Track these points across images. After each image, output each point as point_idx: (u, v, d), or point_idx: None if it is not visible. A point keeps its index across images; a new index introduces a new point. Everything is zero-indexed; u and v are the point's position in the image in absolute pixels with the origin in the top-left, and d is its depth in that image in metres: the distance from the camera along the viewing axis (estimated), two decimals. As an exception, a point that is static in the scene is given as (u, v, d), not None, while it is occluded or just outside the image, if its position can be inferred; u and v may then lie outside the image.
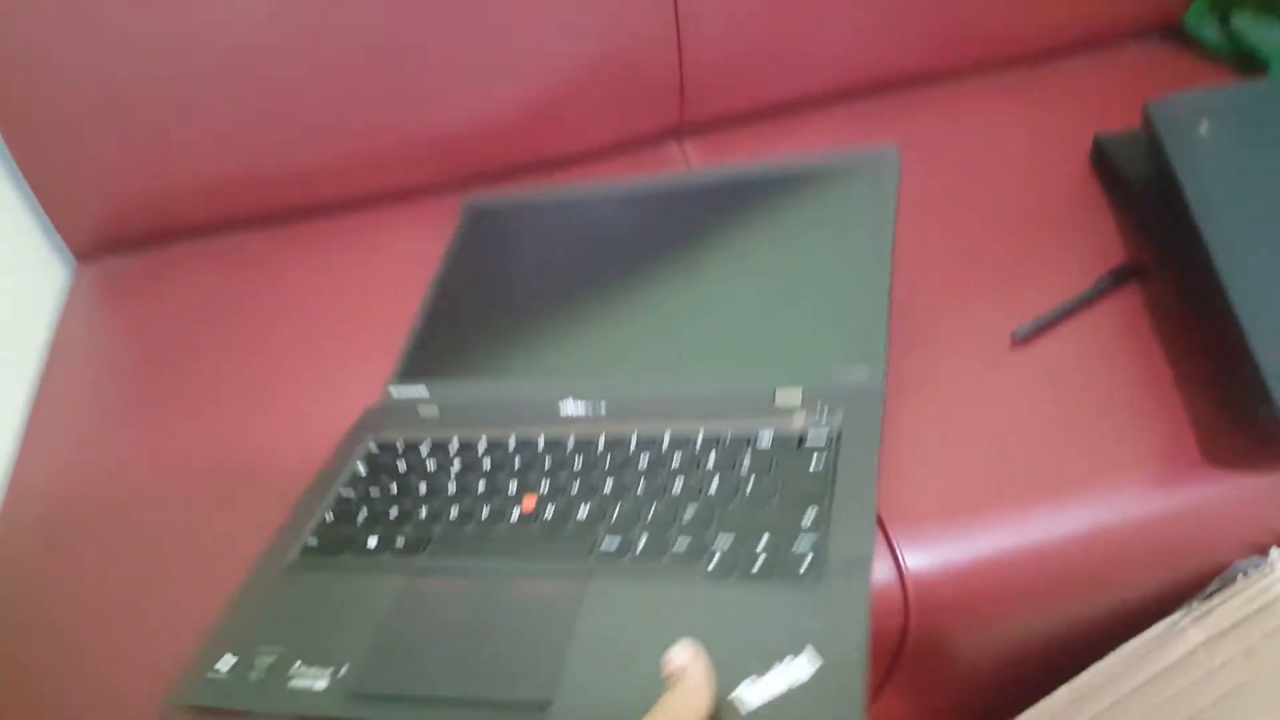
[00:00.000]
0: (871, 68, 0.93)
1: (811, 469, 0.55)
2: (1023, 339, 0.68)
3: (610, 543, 0.54)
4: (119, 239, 0.88)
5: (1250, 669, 0.58)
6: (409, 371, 0.72)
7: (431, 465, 0.63)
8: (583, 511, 0.57)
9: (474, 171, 0.88)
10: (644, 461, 0.59)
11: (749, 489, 0.55)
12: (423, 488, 0.62)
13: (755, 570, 0.50)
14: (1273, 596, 0.58)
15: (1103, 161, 0.81)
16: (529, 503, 0.58)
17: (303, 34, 0.81)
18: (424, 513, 0.60)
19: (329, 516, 0.61)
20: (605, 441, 0.61)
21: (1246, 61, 0.90)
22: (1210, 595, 0.61)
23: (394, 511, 0.60)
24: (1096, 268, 0.72)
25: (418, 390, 0.70)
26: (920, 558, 0.57)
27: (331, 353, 0.77)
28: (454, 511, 0.59)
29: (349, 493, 0.63)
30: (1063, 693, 0.63)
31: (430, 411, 0.68)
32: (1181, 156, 0.67)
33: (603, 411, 0.64)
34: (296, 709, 0.51)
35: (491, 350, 0.71)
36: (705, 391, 0.63)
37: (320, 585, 0.57)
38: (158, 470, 0.69)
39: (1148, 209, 0.74)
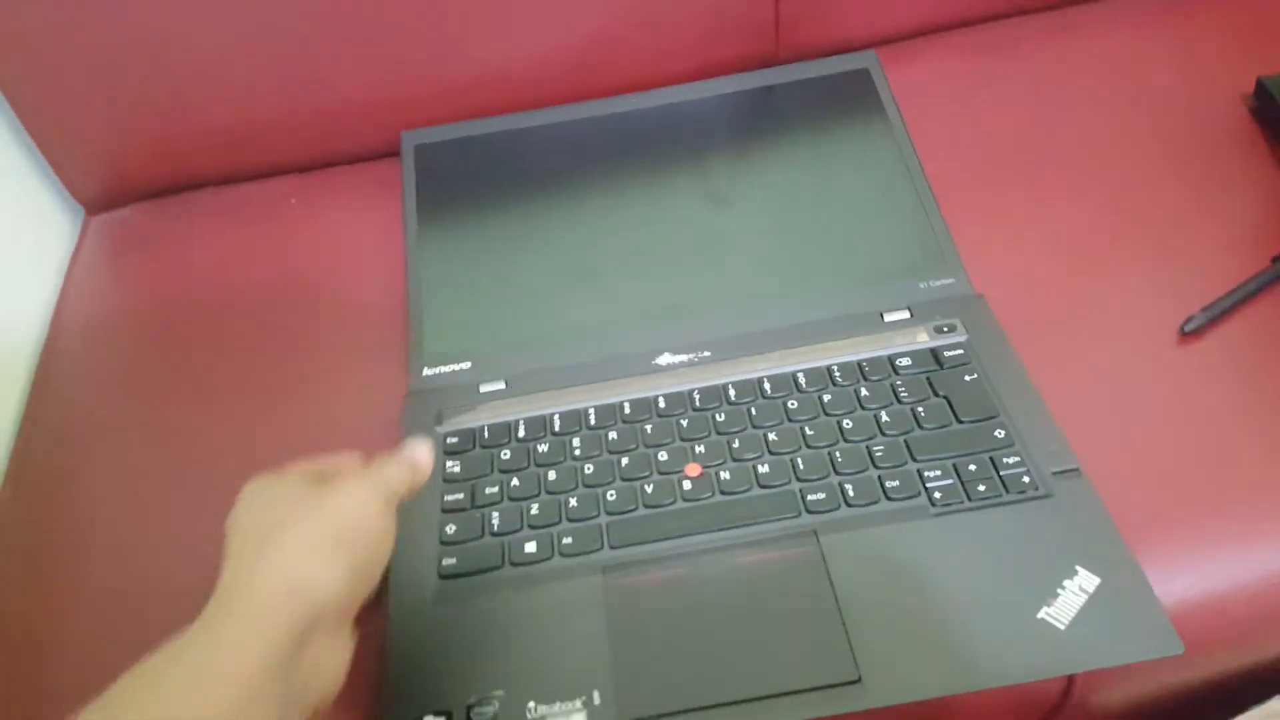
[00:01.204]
0: None
1: (968, 381, 0.56)
2: (1194, 331, 0.57)
3: (817, 496, 0.52)
4: (129, 189, 0.76)
5: None
6: (439, 346, 0.62)
7: (544, 447, 0.56)
8: (764, 468, 0.53)
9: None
10: (793, 403, 0.56)
11: (924, 411, 0.55)
12: (551, 475, 0.55)
13: (981, 498, 0.51)
14: None
15: (1268, 107, 0.68)
16: (693, 470, 0.54)
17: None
18: (574, 502, 0.53)
19: (451, 529, 0.53)
20: (735, 389, 0.57)
21: None
22: None
23: (535, 508, 0.53)
24: (1273, 240, 0.61)
25: (460, 366, 0.61)
26: None
27: (358, 325, 0.66)
28: (611, 495, 0.53)
29: (457, 496, 0.54)
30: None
31: (493, 386, 0.60)
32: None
33: (706, 355, 0.59)
34: (560, 759, 0.44)
35: (530, 306, 0.63)
36: (801, 320, 0.60)
37: (492, 608, 0.49)
38: (169, 463, 0.60)
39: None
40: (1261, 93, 0.68)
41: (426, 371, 0.60)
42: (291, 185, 0.75)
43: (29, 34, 0.66)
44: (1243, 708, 0.53)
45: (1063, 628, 0.46)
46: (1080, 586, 0.47)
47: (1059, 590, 0.47)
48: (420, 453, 0.47)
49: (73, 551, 0.57)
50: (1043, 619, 0.46)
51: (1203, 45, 0.73)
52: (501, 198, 0.67)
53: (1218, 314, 0.57)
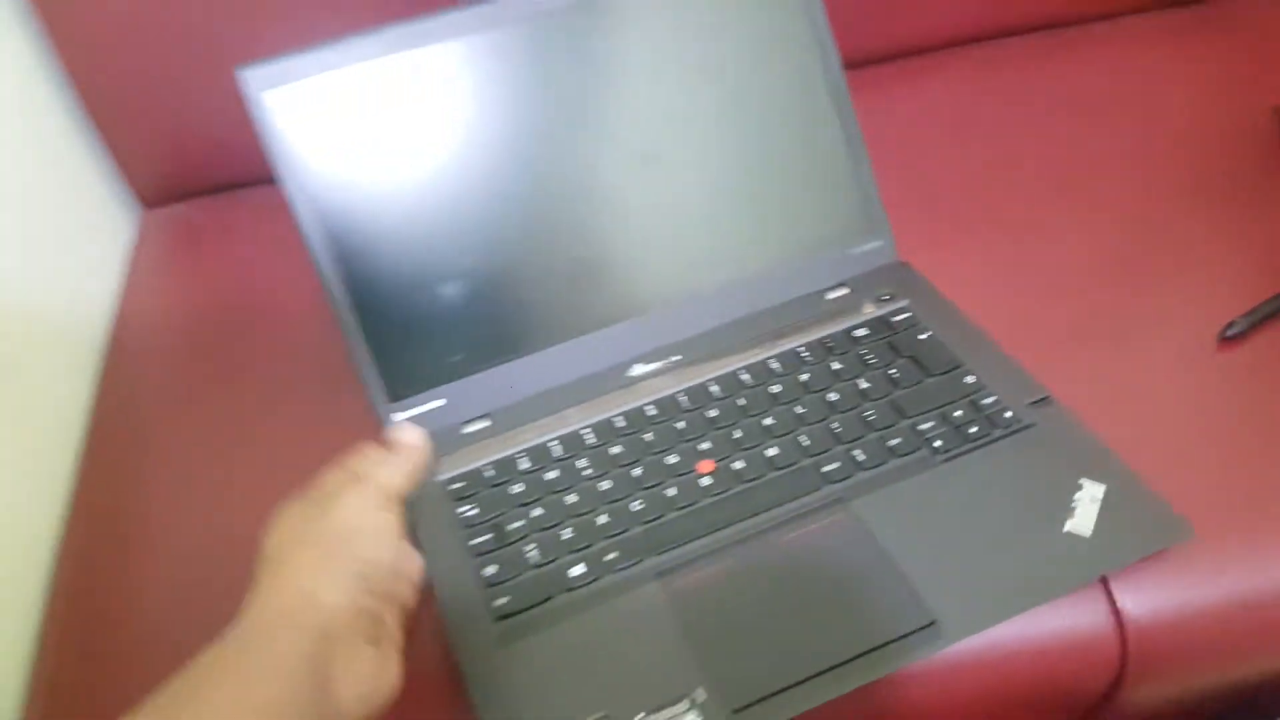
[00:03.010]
0: (1017, 5, 0.82)
1: (924, 339, 0.60)
2: (1234, 337, 0.59)
3: (832, 466, 0.54)
4: (186, 186, 0.82)
5: None
6: (399, 381, 0.58)
7: (553, 474, 0.55)
8: (772, 450, 0.55)
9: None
10: (776, 387, 0.59)
11: (897, 373, 0.58)
12: (571, 498, 0.54)
13: (976, 438, 0.55)
14: None
15: None
16: (706, 466, 0.55)
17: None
18: (604, 519, 0.53)
19: (490, 570, 0.51)
20: (718, 385, 0.59)
21: None
22: None
23: (568, 533, 0.52)
24: None
25: (434, 405, 0.59)
26: (1140, 601, 0.51)
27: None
28: (637, 505, 0.53)
29: (484, 538, 0.53)
30: None
31: (478, 425, 0.58)
32: None
33: (677, 359, 0.61)
34: (685, 762, 0.44)
35: (479, 322, 0.59)
36: (750, 310, 0.63)
37: (565, 633, 0.49)
38: (219, 439, 0.64)
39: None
40: None
41: (397, 416, 0.58)
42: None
43: (104, 35, 0.72)
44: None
45: (1088, 536, 0.50)
46: (1091, 496, 0.52)
47: (1073, 504, 0.51)
48: (406, 436, 0.50)
49: (147, 508, 0.61)
50: (1069, 532, 0.50)
51: (1227, 60, 0.77)
52: (404, 167, 0.56)
53: (1259, 319, 0.59)
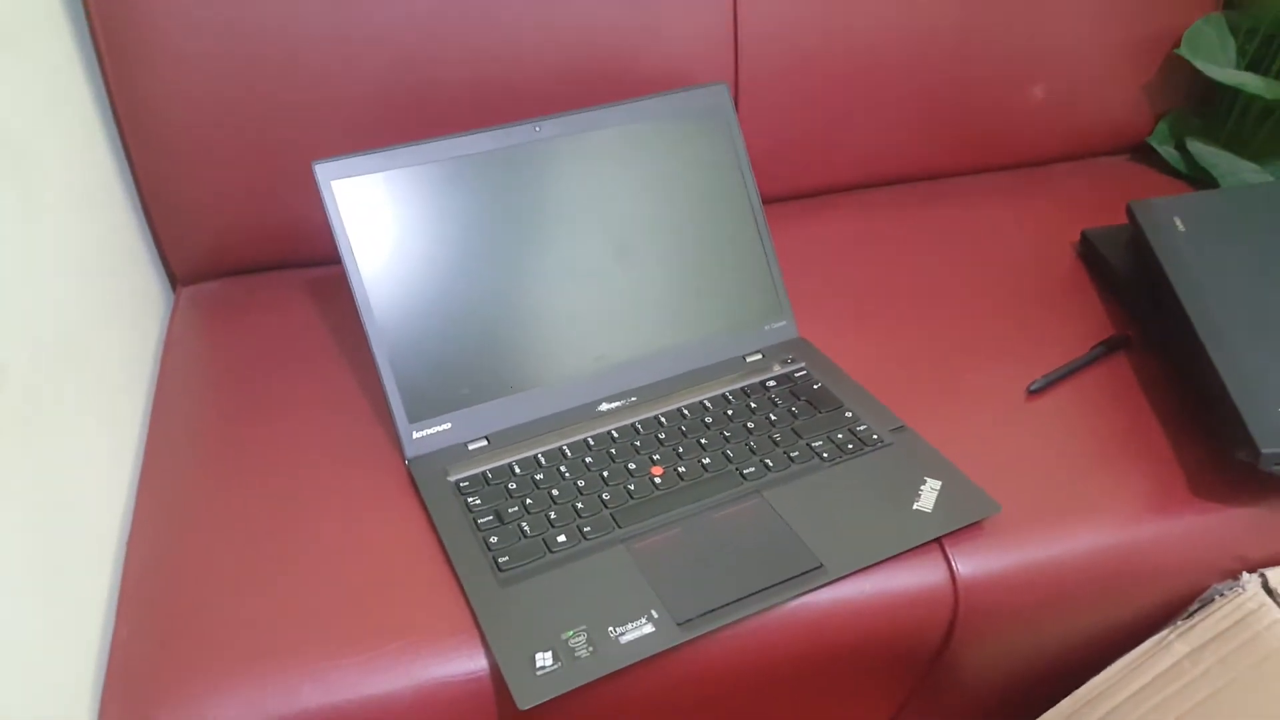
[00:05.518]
0: (893, 164, 1.10)
1: (816, 388, 0.82)
2: (1036, 391, 0.82)
3: (750, 469, 0.74)
4: (219, 267, 0.96)
5: (1226, 676, 0.68)
6: (417, 408, 0.76)
7: (540, 476, 0.73)
8: (706, 459, 0.75)
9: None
10: (709, 419, 0.78)
11: (796, 410, 0.79)
12: (555, 491, 0.72)
13: (852, 452, 0.75)
14: (1245, 614, 0.69)
15: (1089, 251, 0.97)
16: (657, 470, 0.74)
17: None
18: (581, 505, 0.71)
19: (494, 539, 0.69)
20: (665, 418, 0.79)
21: (1200, 174, 1.10)
22: (1192, 614, 0.71)
23: (553, 514, 0.70)
24: (1090, 338, 0.88)
25: (443, 427, 0.77)
26: (969, 564, 0.69)
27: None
28: (606, 495, 0.72)
29: (488, 519, 0.70)
30: (1065, 703, 0.74)
31: (478, 444, 0.77)
32: (1163, 247, 0.83)
33: (634, 400, 0.81)
34: (644, 653, 0.62)
35: (480, 366, 0.77)
36: (691, 366, 0.84)
37: (552, 579, 0.66)
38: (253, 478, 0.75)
39: (1131, 290, 0.90)
40: (1085, 241, 0.99)
41: (416, 434, 0.76)
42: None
43: (173, 142, 0.87)
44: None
45: (929, 511, 0.70)
46: (932, 488, 0.72)
47: (919, 493, 0.72)
48: None
49: (201, 527, 0.71)
50: (916, 509, 0.70)
51: (1043, 208, 1.07)
52: (432, 244, 0.76)
53: (1054, 380, 0.83)
